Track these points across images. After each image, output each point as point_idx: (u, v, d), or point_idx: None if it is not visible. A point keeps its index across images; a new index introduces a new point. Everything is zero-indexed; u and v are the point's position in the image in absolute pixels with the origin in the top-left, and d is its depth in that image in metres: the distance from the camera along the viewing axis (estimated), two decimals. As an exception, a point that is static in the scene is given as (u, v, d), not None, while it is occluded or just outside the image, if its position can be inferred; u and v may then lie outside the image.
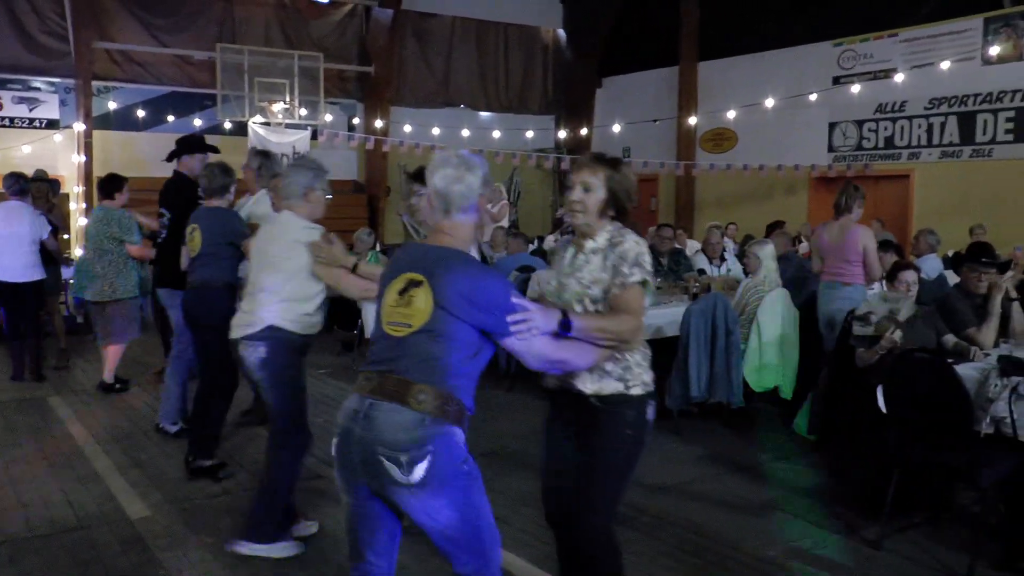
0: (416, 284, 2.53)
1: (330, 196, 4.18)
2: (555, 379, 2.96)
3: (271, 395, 3.99)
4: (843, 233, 6.47)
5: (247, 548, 3.99)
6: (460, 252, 2.60)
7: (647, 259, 2.85)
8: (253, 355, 3.92)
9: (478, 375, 2.61)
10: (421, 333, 2.49)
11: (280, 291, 3.89)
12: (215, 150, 6.14)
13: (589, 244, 2.95)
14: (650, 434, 3.00)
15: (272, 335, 3.90)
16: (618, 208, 2.94)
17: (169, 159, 6.14)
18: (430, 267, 2.54)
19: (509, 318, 2.49)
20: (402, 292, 2.55)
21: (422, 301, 2.50)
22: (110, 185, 6.96)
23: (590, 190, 2.90)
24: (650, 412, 2.97)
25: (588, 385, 2.89)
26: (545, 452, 3.15)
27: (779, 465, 5.57)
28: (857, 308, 5.26)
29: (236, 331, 4.00)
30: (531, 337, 2.54)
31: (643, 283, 2.83)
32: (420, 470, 2.42)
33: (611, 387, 2.89)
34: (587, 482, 2.93)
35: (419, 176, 3.83)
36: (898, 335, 4.79)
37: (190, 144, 6.11)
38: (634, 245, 2.86)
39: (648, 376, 2.98)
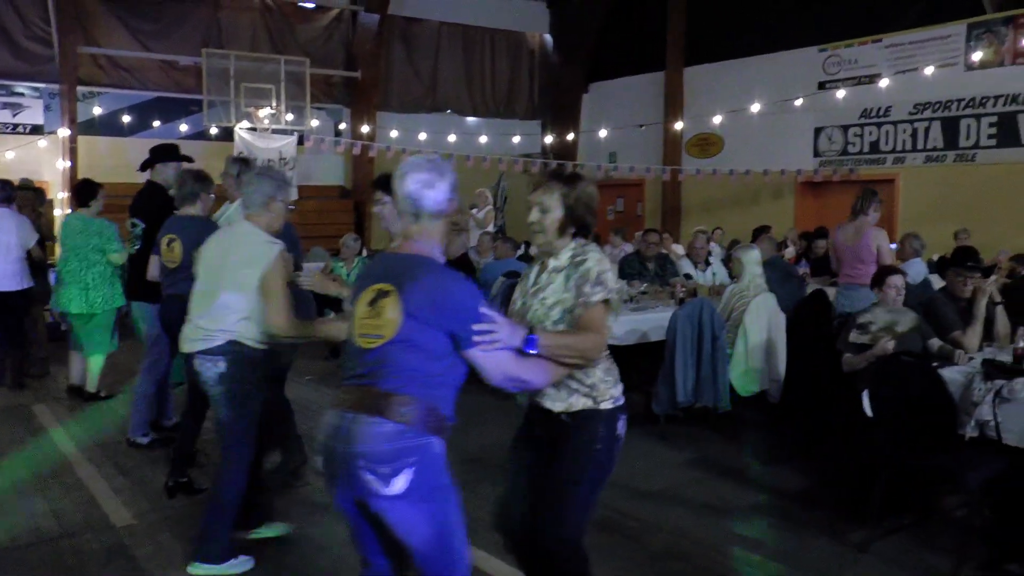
0: (385, 295, 2.51)
1: (292, 207, 4.13)
2: (526, 396, 2.96)
3: (225, 410, 3.91)
4: (858, 235, 6.63)
5: (199, 569, 3.90)
6: (429, 259, 2.59)
7: (610, 276, 2.83)
8: (211, 370, 3.86)
9: (458, 384, 2.59)
10: (394, 344, 2.47)
11: (243, 307, 3.81)
12: (189, 159, 6.07)
13: (552, 263, 2.94)
14: (621, 448, 2.98)
15: (233, 349, 3.85)
16: (578, 225, 2.93)
17: (142, 168, 6.06)
18: (398, 276, 2.52)
19: (475, 327, 2.48)
20: (372, 303, 2.53)
21: (391, 311, 2.48)
22: (85, 192, 6.86)
23: (547, 211, 2.89)
24: (620, 426, 2.96)
25: (557, 403, 2.89)
26: (510, 467, 3.13)
27: (765, 469, 5.59)
28: (854, 314, 5.29)
29: (191, 344, 3.92)
30: (495, 350, 2.52)
31: (607, 301, 2.81)
32: (401, 482, 2.41)
33: (580, 403, 2.88)
34: (557, 496, 2.91)
35: (380, 183, 3.81)
36: (891, 345, 4.82)
37: (164, 152, 6.03)
38: (596, 263, 2.84)
39: (616, 390, 2.96)
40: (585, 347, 2.77)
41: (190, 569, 3.91)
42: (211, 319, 3.86)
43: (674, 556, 4.22)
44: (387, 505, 2.45)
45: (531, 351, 2.61)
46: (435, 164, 2.61)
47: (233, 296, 3.81)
